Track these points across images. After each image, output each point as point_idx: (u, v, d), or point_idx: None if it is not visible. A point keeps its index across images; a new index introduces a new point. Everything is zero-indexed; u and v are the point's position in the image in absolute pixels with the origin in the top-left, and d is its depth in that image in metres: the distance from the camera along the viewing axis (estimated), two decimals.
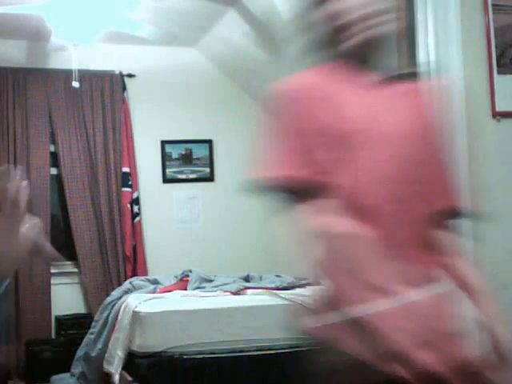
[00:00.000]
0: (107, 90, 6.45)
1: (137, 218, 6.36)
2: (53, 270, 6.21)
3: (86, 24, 4.64)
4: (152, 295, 4.53)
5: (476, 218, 1.79)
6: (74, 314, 6.13)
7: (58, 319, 6.08)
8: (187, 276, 4.85)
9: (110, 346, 4.35)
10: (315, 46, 1.70)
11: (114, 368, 4.18)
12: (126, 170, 6.37)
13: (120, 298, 4.66)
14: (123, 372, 4.16)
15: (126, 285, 4.96)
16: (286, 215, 1.57)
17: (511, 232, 2.61)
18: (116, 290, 5.20)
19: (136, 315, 4.14)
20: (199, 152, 6.83)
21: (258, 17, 5.48)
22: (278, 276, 5.20)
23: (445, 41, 2.59)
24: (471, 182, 2.55)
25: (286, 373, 4.11)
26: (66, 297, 6.23)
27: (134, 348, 4.08)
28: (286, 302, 4.36)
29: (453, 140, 2.58)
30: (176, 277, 5.05)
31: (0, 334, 2.05)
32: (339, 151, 1.53)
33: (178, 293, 4.65)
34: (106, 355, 4.35)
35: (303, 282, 4.98)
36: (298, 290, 4.65)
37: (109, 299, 4.83)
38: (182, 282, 4.89)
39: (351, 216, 1.51)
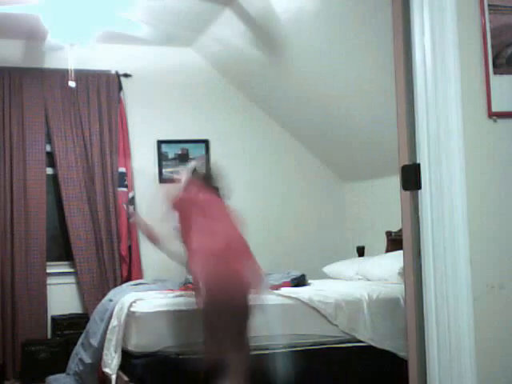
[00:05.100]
0: (103, 90, 6.45)
1: (132, 218, 6.36)
2: (49, 270, 6.21)
3: (82, 24, 4.64)
4: (148, 294, 4.51)
5: None
6: (70, 314, 6.13)
7: (54, 319, 6.07)
8: (190, 283, 4.81)
9: (105, 346, 4.35)
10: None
11: (111, 369, 4.17)
12: (122, 169, 6.37)
13: (116, 297, 4.65)
14: (119, 372, 4.16)
15: (124, 287, 4.96)
16: None
17: (507, 232, 2.61)
18: (112, 290, 5.20)
19: (132, 315, 4.13)
20: (196, 152, 6.83)
21: (253, 16, 5.48)
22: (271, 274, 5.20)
23: (441, 41, 2.59)
24: (467, 182, 2.56)
25: (284, 372, 4.11)
26: (62, 297, 6.23)
27: (130, 348, 4.08)
28: (282, 302, 4.35)
29: (449, 141, 2.59)
30: (181, 283, 4.96)
31: None
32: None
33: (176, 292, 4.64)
34: (103, 356, 4.35)
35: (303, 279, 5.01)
36: (296, 289, 4.66)
37: (105, 299, 4.82)
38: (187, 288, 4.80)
39: None
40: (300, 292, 4.50)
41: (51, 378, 4.97)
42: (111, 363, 4.19)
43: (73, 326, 5.92)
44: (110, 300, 4.64)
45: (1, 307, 5.97)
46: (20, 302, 6.01)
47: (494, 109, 2.60)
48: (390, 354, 4.32)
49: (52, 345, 5.78)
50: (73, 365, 4.78)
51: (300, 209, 7.10)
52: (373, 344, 4.33)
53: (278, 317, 4.24)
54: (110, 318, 4.41)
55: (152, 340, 4.03)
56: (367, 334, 4.34)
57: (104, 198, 6.35)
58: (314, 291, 4.57)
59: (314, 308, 4.33)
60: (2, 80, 6.14)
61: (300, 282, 4.98)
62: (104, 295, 5.22)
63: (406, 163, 2.71)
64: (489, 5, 2.62)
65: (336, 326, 4.33)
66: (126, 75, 6.58)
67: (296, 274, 5.11)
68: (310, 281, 5.16)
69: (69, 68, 5.07)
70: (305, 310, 4.33)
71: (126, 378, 4.06)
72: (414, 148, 2.67)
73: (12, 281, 6.01)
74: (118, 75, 6.53)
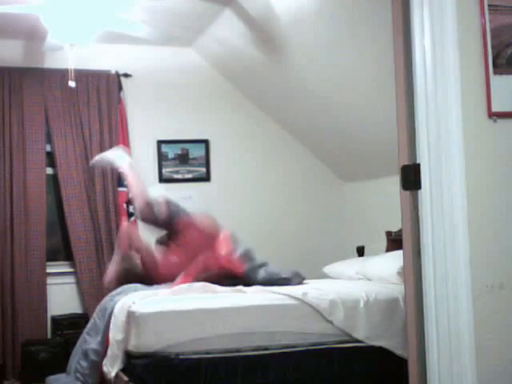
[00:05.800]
0: (103, 90, 6.45)
1: (132, 218, 6.36)
2: (49, 270, 6.21)
3: (82, 24, 4.64)
4: (148, 294, 4.51)
5: None
6: (70, 314, 6.13)
7: (54, 319, 6.08)
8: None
9: (105, 346, 4.35)
10: None
11: (111, 368, 4.17)
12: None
13: (116, 297, 4.65)
14: (119, 372, 4.15)
15: (124, 287, 4.95)
16: None
17: (507, 232, 2.61)
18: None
19: (131, 315, 4.13)
20: (195, 152, 6.83)
21: (253, 16, 5.48)
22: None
23: (441, 41, 2.59)
24: (467, 182, 2.56)
25: (283, 373, 4.11)
26: (62, 297, 6.23)
27: (130, 348, 4.08)
28: (283, 302, 4.34)
29: (449, 140, 2.59)
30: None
31: None
32: None
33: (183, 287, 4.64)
34: (103, 356, 4.35)
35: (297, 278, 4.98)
36: (293, 287, 4.65)
37: (105, 299, 4.82)
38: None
39: None
40: (294, 289, 4.48)
41: (51, 378, 4.97)
42: (111, 363, 4.19)
43: (73, 325, 5.92)
44: (111, 299, 4.64)
45: (1, 307, 5.97)
46: (20, 302, 6.01)
47: (494, 109, 2.61)
48: (389, 353, 4.30)
49: (52, 345, 5.78)
50: (73, 365, 4.77)
51: (300, 209, 7.10)
52: (368, 342, 4.28)
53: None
54: (110, 317, 4.41)
55: (152, 340, 4.02)
56: (364, 332, 4.30)
57: (104, 197, 6.35)
58: (310, 289, 4.54)
59: (309, 304, 4.27)
60: (2, 80, 6.14)
61: (275, 282, 4.80)
62: (104, 295, 5.22)
63: (406, 163, 2.71)
64: (489, 5, 2.63)
65: (331, 322, 4.26)
66: (126, 75, 6.58)
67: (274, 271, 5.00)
68: (306, 280, 5.11)
69: (69, 68, 5.07)
70: (302, 308, 4.29)
71: (125, 378, 4.06)
72: (414, 148, 2.67)
73: (12, 281, 6.02)
74: (118, 75, 6.53)
